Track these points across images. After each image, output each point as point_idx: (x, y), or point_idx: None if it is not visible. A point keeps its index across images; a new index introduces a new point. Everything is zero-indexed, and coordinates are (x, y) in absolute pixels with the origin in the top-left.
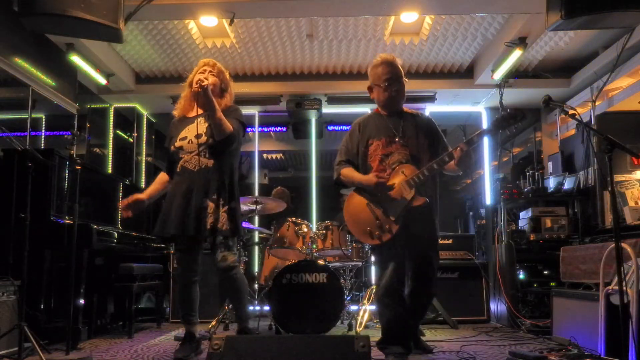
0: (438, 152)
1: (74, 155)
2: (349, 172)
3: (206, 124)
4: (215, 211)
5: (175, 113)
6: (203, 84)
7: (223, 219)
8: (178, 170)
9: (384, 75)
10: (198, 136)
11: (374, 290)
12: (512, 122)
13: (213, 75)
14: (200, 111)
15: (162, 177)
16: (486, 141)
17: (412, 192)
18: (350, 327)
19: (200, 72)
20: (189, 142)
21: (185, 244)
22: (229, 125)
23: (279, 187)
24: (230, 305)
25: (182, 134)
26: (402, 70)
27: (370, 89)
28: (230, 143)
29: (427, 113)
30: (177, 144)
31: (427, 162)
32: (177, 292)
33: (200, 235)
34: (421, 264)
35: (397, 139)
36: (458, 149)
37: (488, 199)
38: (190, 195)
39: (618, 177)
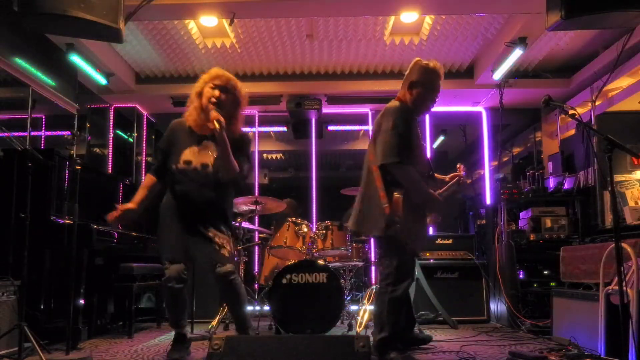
0: None
1: (74, 155)
2: (418, 178)
3: (214, 154)
4: (219, 240)
5: (187, 122)
6: (221, 123)
7: (229, 247)
8: (178, 192)
9: (440, 88)
10: (204, 166)
11: (374, 290)
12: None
13: (225, 93)
14: (209, 130)
15: (149, 180)
16: (486, 141)
17: None
18: (350, 327)
19: (211, 87)
20: (194, 170)
21: (180, 256)
22: (235, 167)
23: (288, 199)
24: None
25: (187, 156)
26: None
27: (415, 84)
28: (236, 183)
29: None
30: (181, 165)
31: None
32: (168, 301)
33: (205, 261)
34: None
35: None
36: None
37: (488, 199)
38: (190, 223)
39: (618, 177)
